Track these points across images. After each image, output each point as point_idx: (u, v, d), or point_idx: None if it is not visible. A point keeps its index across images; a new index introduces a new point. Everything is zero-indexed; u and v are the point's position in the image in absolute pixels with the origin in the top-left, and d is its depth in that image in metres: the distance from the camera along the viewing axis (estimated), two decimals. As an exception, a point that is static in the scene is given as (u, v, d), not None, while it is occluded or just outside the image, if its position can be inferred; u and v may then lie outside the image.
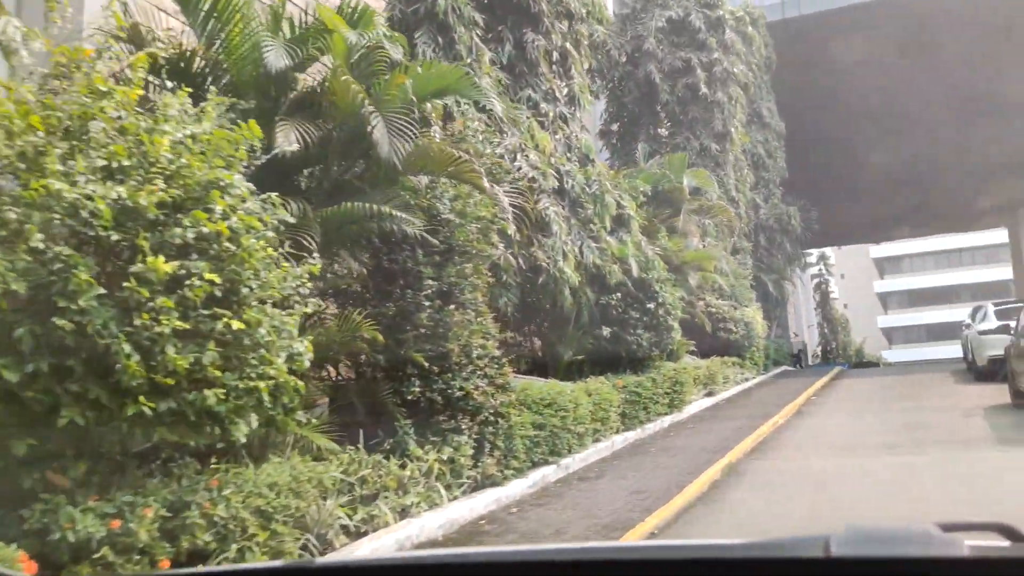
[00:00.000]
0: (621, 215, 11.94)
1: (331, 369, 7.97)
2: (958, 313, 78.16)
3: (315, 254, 5.65)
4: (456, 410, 7.59)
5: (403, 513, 6.70)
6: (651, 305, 12.51)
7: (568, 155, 10.85)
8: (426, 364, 7.35)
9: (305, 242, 5.66)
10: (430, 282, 7.49)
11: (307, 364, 5.58)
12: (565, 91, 11.43)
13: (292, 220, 5.40)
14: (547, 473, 8.68)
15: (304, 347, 5.41)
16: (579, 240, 10.24)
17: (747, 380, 19.26)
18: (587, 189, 10.44)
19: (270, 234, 5.19)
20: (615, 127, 19.77)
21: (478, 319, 7.97)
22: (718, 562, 1.40)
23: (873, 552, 1.27)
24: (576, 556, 1.60)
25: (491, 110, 9.75)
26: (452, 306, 7.63)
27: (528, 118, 10.24)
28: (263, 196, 5.31)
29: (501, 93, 10.45)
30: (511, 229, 8.28)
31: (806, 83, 30.19)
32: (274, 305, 5.32)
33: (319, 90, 6.49)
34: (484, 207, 8.18)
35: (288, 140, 5.54)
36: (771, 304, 26.45)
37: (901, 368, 31.08)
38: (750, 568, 1.36)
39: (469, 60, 9.72)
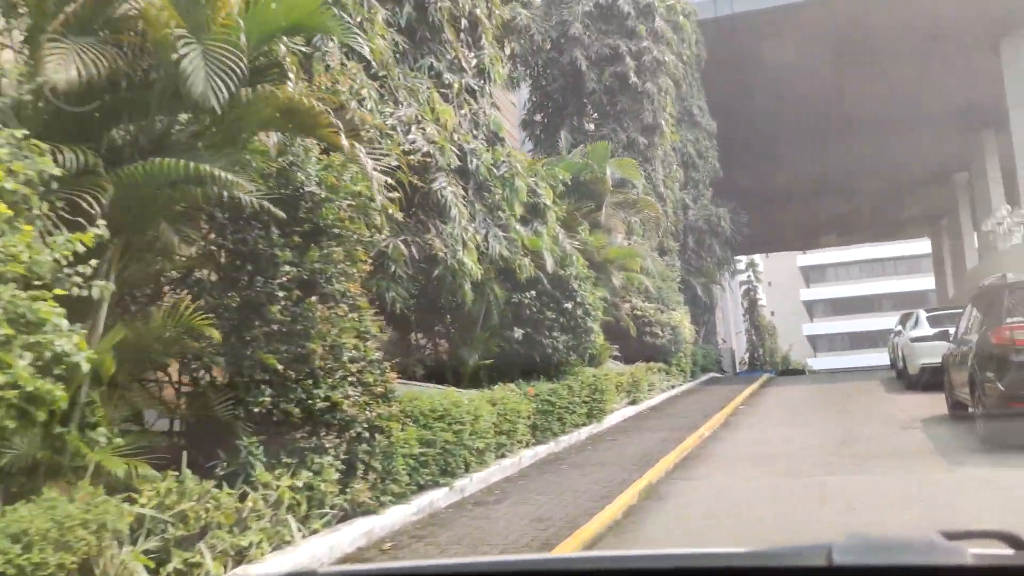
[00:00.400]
0: (536, 204, 10.73)
1: (170, 375, 6.52)
2: (880, 321, 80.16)
3: (99, 222, 4.24)
4: (319, 425, 6.21)
5: (239, 557, 5.32)
6: (569, 305, 11.34)
7: (474, 132, 9.60)
8: (280, 368, 5.97)
9: (86, 205, 4.24)
10: (288, 268, 6.12)
11: (84, 368, 4.18)
12: (474, 62, 10.16)
13: (58, 172, 3.99)
14: (436, 498, 7.36)
15: (74, 344, 4.00)
16: (484, 228, 8.98)
17: (673, 387, 18.29)
18: (495, 171, 9.19)
19: (20, 189, 3.77)
20: (538, 117, 18.63)
21: (351, 315, 6.62)
22: (718, 571, 1.42)
23: (875, 560, 1.26)
24: (576, 566, 1.62)
25: (384, 76, 8.46)
26: (315, 298, 6.27)
27: (428, 88, 8.95)
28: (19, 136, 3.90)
29: (398, 59, 9.13)
30: (392, 209, 6.94)
31: (737, 86, 29.66)
32: (30, 287, 3.91)
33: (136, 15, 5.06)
34: (362, 181, 6.85)
35: (64, 69, 4.12)
36: (700, 309, 25.66)
37: (828, 376, 30.79)
38: None
39: (359, 19, 8.37)
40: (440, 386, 9.89)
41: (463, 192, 8.45)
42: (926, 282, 75.39)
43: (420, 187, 7.88)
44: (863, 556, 1.26)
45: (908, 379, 16.51)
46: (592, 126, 16.93)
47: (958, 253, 40.60)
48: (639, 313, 17.92)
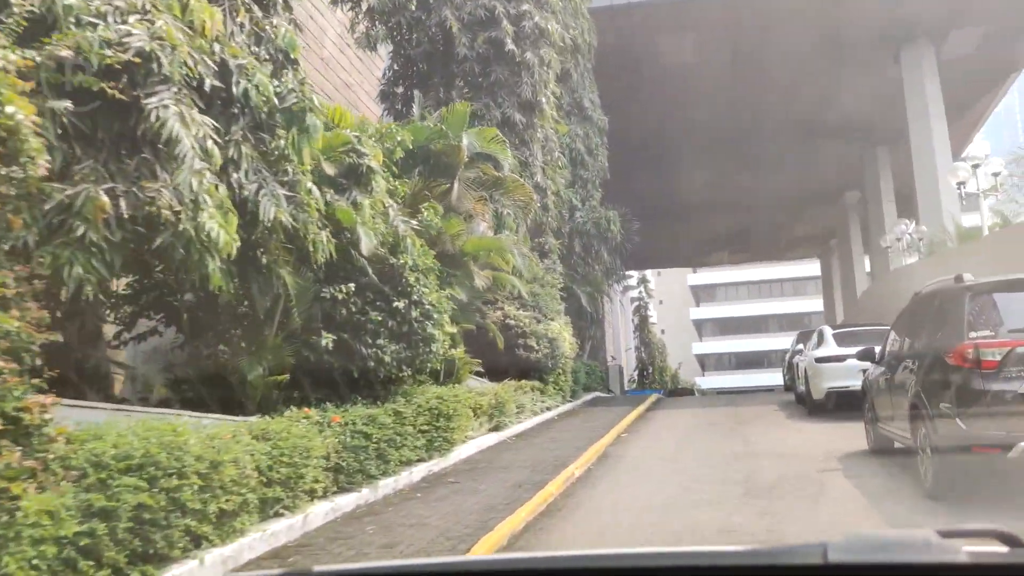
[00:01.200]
0: (357, 167, 7.93)
1: None
2: (767, 342, 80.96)
3: None
4: None
5: None
6: (401, 304, 8.55)
7: (254, 49, 6.75)
8: None
9: None
10: None
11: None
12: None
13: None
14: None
15: None
16: (257, 182, 6.12)
17: (549, 410, 15.74)
18: (279, 103, 6.36)
19: None
20: (400, 89, 15.83)
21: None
22: (716, 570, 1.38)
23: (871, 558, 1.27)
24: (574, 563, 1.59)
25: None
26: None
27: (182, -23, 6.09)
28: None
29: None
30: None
31: (631, 86, 27.71)
32: None
33: None
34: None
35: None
36: (585, 321, 23.35)
37: (719, 397, 28.97)
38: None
39: None
40: (207, 415, 6.97)
41: (214, 125, 5.58)
42: (813, 304, 76.41)
43: (125, 102, 4.97)
44: (858, 554, 1.26)
45: (811, 404, 14.47)
46: (461, 98, 14.24)
47: (848, 274, 40.00)
48: (512, 322, 15.33)
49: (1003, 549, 1.35)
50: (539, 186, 15.54)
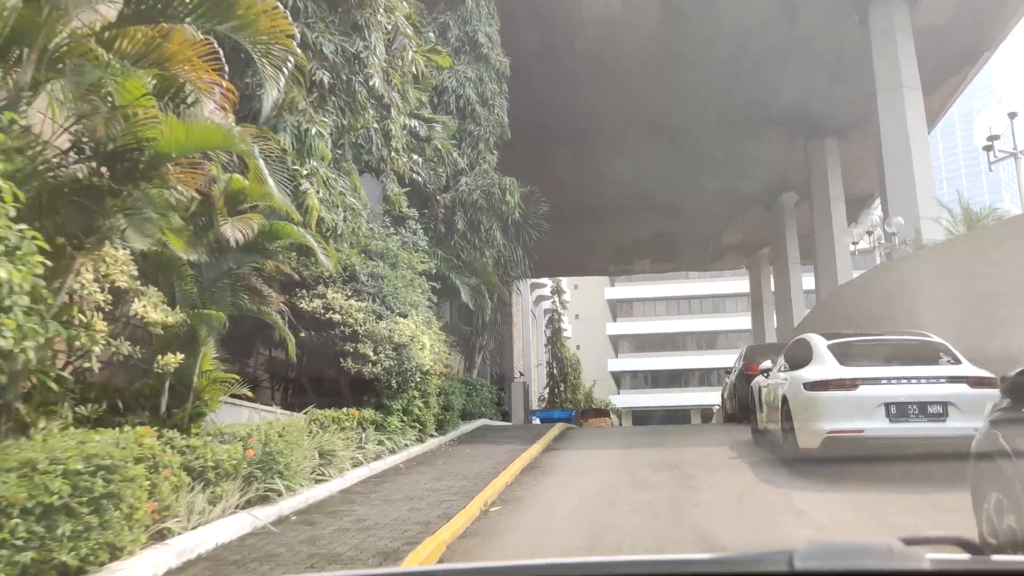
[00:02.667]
0: None
1: None
2: (685, 360, 77.12)
3: None
4: None
5: None
6: None
7: None
8: None
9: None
10: None
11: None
12: None
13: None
14: None
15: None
16: None
17: (392, 454, 10.11)
18: None
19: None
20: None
21: None
22: None
23: (836, 566, 1.27)
24: (548, 572, 1.57)
25: None
26: None
27: None
28: None
29: None
30: None
31: (542, 51, 22.56)
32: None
33: None
34: None
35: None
36: (477, 325, 17.87)
37: (641, 429, 23.69)
38: None
39: None
40: None
41: None
42: (734, 321, 72.95)
43: None
44: (824, 561, 1.27)
45: (793, 451, 9.23)
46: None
47: (783, 286, 35.61)
48: (336, 316, 9.80)
49: (964, 556, 1.41)
50: (379, 97, 9.97)
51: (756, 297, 42.73)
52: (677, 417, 73.66)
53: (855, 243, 18.62)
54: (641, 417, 75.06)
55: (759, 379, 11.86)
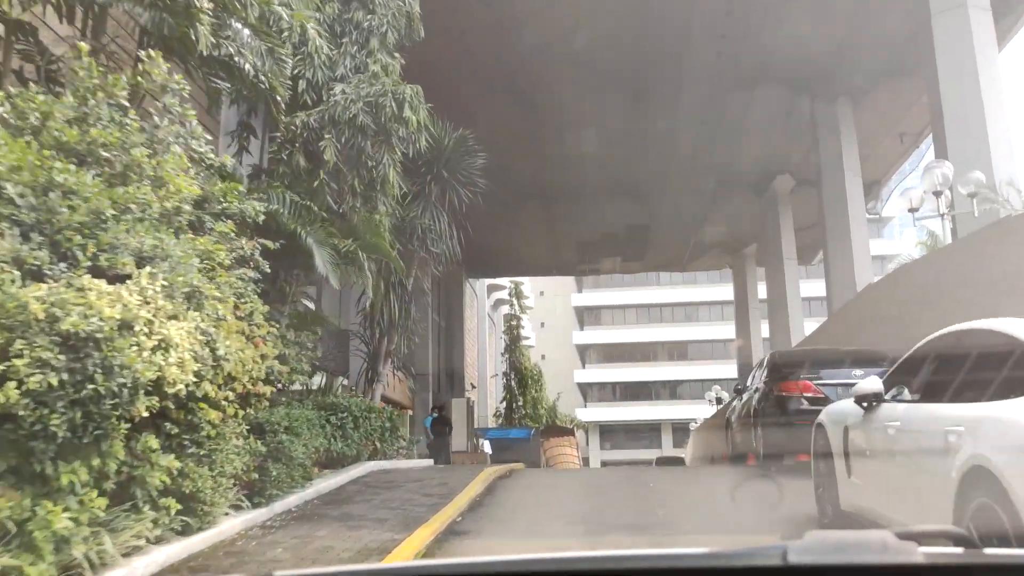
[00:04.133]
0: None
1: None
2: (655, 372, 71.78)
3: None
4: None
5: None
6: None
7: None
8: None
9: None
10: None
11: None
12: None
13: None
14: None
15: None
16: None
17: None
18: None
19: None
20: None
21: None
22: (675, 572, 1.40)
23: (830, 559, 1.27)
24: (528, 567, 1.55)
25: None
26: None
27: None
28: None
29: None
30: None
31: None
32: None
33: None
34: None
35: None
36: (378, 320, 12.15)
37: (619, 475, 17.97)
38: None
39: None
40: None
41: None
42: (709, 331, 67.90)
43: None
44: (818, 555, 1.26)
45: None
46: None
47: (776, 288, 30.22)
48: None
49: (957, 549, 1.41)
50: None
51: (741, 302, 37.38)
52: (647, 436, 68.51)
53: (913, 209, 13.28)
54: (608, 433, 69.88)
55: (841, 411, 6.30)
